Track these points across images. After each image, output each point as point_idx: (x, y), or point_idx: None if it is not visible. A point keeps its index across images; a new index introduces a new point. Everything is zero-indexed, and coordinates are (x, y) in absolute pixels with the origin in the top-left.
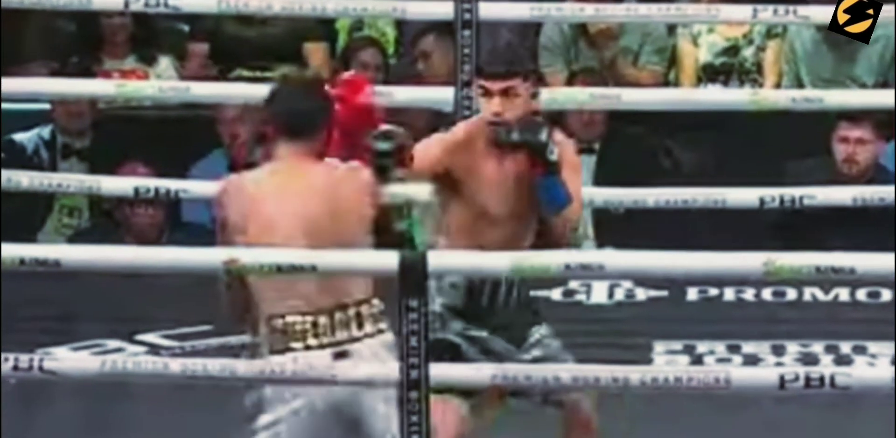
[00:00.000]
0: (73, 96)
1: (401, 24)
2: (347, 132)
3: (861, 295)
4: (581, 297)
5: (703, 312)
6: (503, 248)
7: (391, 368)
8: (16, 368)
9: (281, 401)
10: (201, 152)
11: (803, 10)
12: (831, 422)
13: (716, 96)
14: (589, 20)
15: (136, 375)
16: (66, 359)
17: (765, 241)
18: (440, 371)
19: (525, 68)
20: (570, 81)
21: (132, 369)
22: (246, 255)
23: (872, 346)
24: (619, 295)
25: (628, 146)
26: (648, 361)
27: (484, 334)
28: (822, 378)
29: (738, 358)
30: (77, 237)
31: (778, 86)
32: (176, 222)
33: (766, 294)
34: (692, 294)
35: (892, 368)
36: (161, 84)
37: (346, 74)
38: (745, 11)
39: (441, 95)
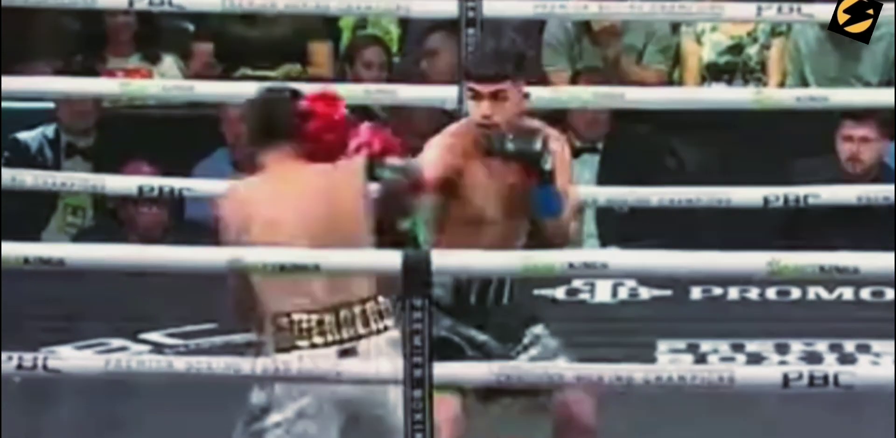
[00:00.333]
0: (77, 95)
1: (405, 23)
2: (320, 148)
3: (865, 294)
4: (585, 296)
5: (707, 311)
6: (496, 248)
7: (397, 365)
8: (20, 367)
9: (290, 399)
10: (205, 151)
11: (808, 8)
12: (835, 421)
13: (720, 95)
14: (593, 18)
15: (141, 374)
16: (70, 358)
17: (769, 240)
18: (444, 370)
19: (514, 71)
20: (574, 80)
21: (136, 368)
22: (250, 254)
23: (876, 345)
24: (623, 294)
25: (632, 145)
26: (652, 360)
27: (473, 332)
28: (825, 377)
29: (741, 357)
30: (81, 236)
31: (782, 84)
32: (180, 221)
33: (771, 293)
34: (696, 293)
35: None
36: (165, 83)
37: (318, 90)
38: (749, 9)
39: (444, 94)
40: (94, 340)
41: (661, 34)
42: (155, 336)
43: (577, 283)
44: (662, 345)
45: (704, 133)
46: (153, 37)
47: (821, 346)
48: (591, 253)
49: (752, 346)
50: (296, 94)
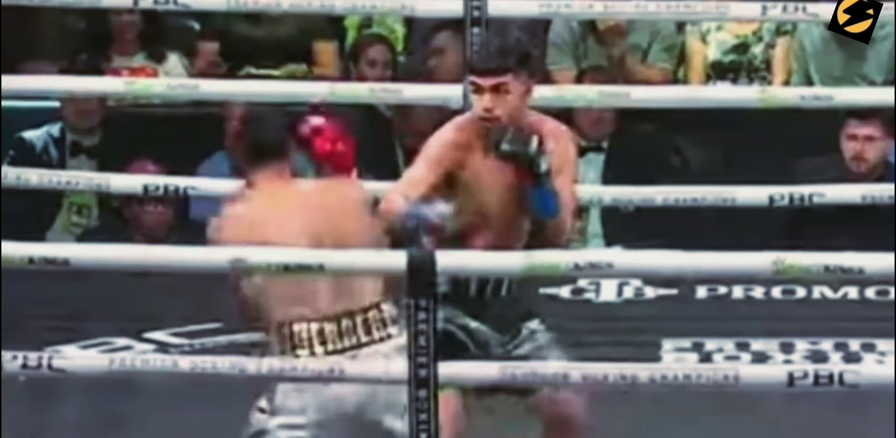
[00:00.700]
0: (82, 94)
1: (410, 22)
2: (336, 160)
3: (870, 292)
4: (590, 295)
5: (712, 310)
6: (498, 245)
7: (398, 369)
8: (25, 366)
9: (293, 412)
10: (210, 150)
11: (813, 7)
12: (840, 420)
13: (725, 94)
14: (598, 17)
15: (145, 373)
16: (75, 357)
17: (774, 239)
18: (449, 369)
19: (517, 65)
20: (579, 79)
21: (141, 367)
22: (254, 254)
23: (881, 344)
24: (628, 293)
25: (637, 144)
26: (657, 359)
27: (471, 323)
28: (830, 376)
29: (746, 356)
30: (86, 235)
31: (787, 83)
32: (184, 220)
33: (776, 292)
34: (701, 292)
35: None
36: (170, 81)
37: (315, 121)
38: (754, 9)
39: (450, 92)
40: (98, 339)
41: (666, 33)
42: (159, 335)
43: (582, 282)
44: (667, 344)
45: (709, 132)
46: (158, 35)
47: (826, 345)
48: (597, 253)
49: (757, 345)
50: (283, 115)
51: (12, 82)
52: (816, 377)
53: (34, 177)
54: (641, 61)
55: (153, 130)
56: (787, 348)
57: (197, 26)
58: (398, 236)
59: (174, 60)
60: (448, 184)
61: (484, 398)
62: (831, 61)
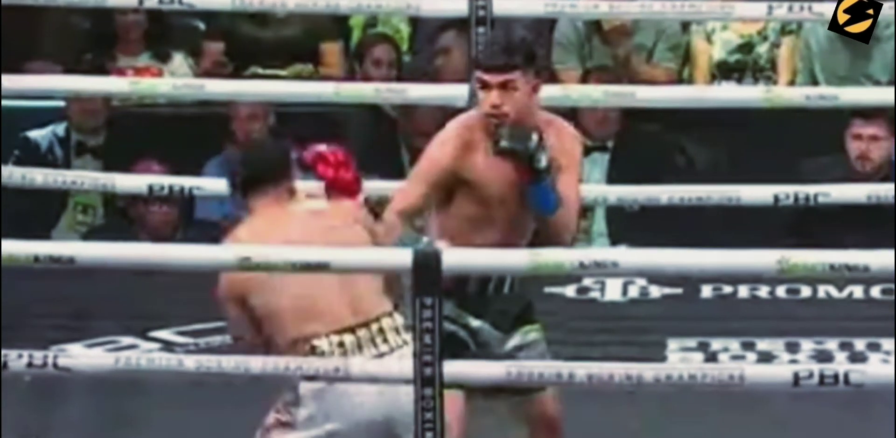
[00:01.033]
0: (87, 93)
1: (415, 21)
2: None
3: (875, 292)
4: (595, 294)
5: (718, 309)
6: (502, 242)
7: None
8: (30, 365)
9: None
10: (215, 150)
11: (818, 6)
12: (845, 419)
13: (730, 93)
14: (603, 17)
15: (150, 372)
16: (81, 356)
17: (779, 239)
18: (454, 368)
19: (524, 62)
20: (584, 79)
21: (146, 366)
22: (259, 253)
23: (886, 343)
24: (634, 292)
25: (642, 143)
26: (662, 358)
27: (472, 322)
28: (836, 376)
29: (752, 356)
30: (91, 234)
31: (792, 83)
32: (190, 219)
33: (781, 291)
34: (706, 291)
35: None
36: (175, 81)
37: (321, 149)
38: (759, 8)
39: (455, 92)
40: (103, 338)
41: (672, 33)
42: (165, 334)
43: (587, 282)
44: (673, 344)
45: (714, 131)
46: (163, 35)
47: (831, 344)
48: (602, 252)
49: (762, 345)
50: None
51: (17, 82)
52: (822, 376)
53: (39, 176)
54: (646, 61)
55: (158, 130)
56: (793, 347)
57: (202, 26)
58: None
59: (179, 60)
60: (451, 184)
61: (489, 398)
62: (836, 61)
